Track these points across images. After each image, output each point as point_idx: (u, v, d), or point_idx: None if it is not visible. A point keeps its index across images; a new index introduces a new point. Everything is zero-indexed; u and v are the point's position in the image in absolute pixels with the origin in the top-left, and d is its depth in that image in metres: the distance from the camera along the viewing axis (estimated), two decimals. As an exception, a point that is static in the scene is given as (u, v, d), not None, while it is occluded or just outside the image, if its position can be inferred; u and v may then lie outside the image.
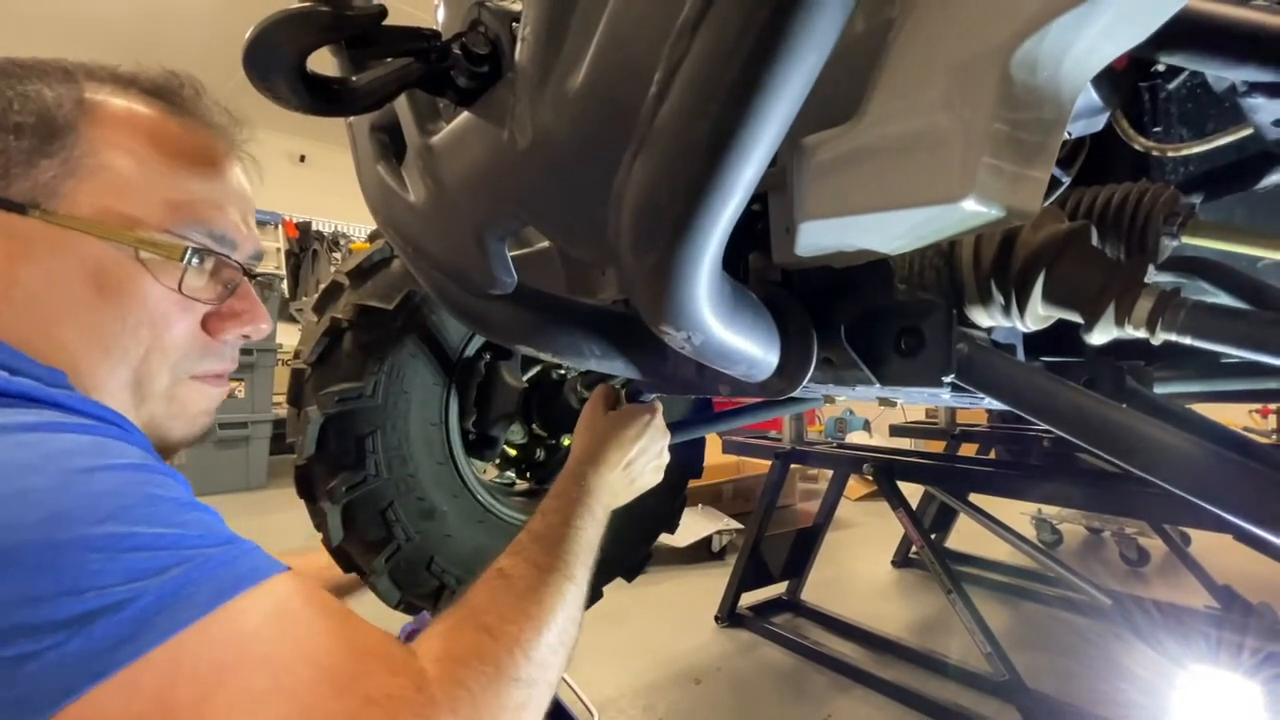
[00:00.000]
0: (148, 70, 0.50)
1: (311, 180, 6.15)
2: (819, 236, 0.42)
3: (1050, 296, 0.59)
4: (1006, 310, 0.62)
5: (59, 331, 0.44)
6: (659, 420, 0.81)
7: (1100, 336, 0.57)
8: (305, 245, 6.09)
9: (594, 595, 1.52)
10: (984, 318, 0.64)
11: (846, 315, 0.55)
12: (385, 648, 0.40)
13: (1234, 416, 3.49)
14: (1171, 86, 0.79)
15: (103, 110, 0.46)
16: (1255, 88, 0.44)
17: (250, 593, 0.36)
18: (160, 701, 0.31)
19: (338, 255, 5.84)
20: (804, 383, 0.56)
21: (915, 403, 0.87)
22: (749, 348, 0.49)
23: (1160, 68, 0.75)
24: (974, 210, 0.35)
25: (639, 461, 0.77)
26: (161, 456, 0.45)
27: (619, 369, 0.71)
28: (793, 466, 2.45)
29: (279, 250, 6.02)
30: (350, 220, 6.15)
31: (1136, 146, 0.73)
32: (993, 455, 2.67)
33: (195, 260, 0.48)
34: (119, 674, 0.30)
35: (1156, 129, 0.80)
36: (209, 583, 0.34)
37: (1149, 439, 0.49)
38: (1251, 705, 1.02)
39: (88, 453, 0.35)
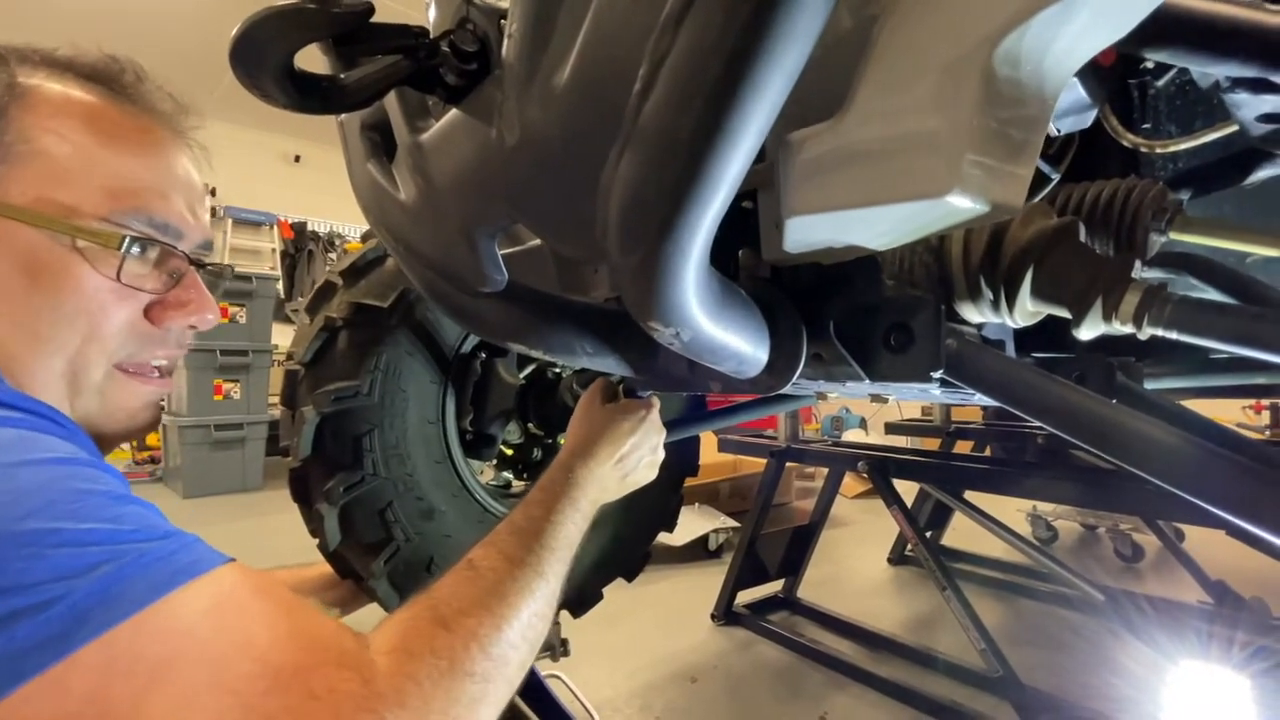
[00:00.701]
0: (85, 54, 0.49)
1: (307, 180, 6.14)
2: (806, 232, 0.43)
3: (1039, 292, 0.59)
4: (996, 306, 0.62)
5: None
6: (655, 416, 0.80)
7: (1088, 332, 0.57)
8: (301, 246, 6.07)
9: (594, 596, 1.52)
10: (974, 314, 0.64)
11: (836, 311, 0.55)
12: (333, 639, 0.39)
13: (1228, 412, 3.51)
14: (1160, 83, 0.79)
15: (36, 95, 0.45)
16: (1238, 83, 0.45)
17: (189, 586, 0.35)
18: (93, 700, 0.30)
19: (333, 256, 5.83)
20: (794, 379, 0.56)
21: (907, 399, 0.87)
22: (738, 344, 0.50)
23: (1149, 65, 0.75)
24: (958, 205, 0.35)
25: (632, 457, 0.75)
26: (101, 450, 0.45)
27: (611, 366, 0.71)
28: (789, 465, 2.46)
29: (274, 251, 6.01)
30: (346, 220, 6.14)
31: (1125, 143, 0.74)
32: (988, 452, 2.68)
33: (135, 249, 0.46)
34: (46, 673, 0.29)
35: (1145, 125, 0.81)
36: (143, 578, 0.33)
37: (1136, 434, 0.49)
38: (1241, 699, 1.03)
39: (11, 447, 0.34)
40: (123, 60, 0.51)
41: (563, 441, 1.49)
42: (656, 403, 0.81)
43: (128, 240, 0.46)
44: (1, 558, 0.30)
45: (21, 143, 0.44)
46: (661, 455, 0.81)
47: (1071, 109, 0.65)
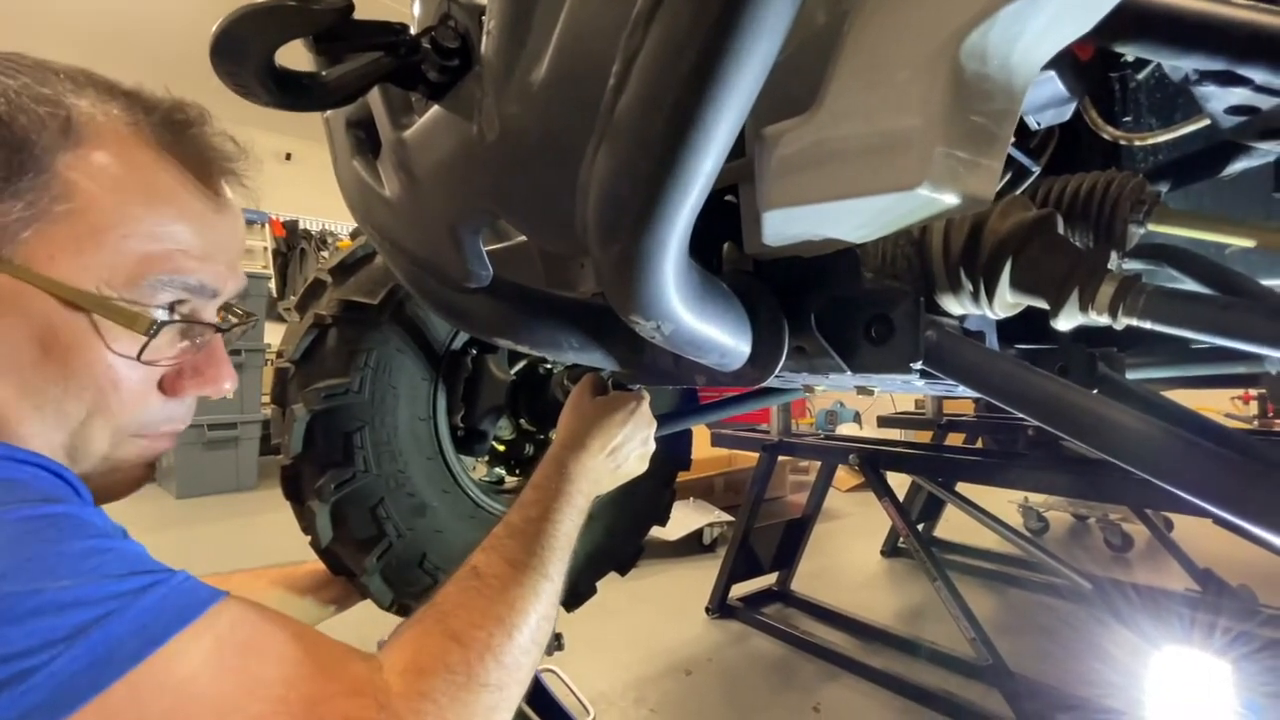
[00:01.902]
0: (150, 93, 0.45)
1: (298, 178, 6.10)
2: (784, 226, 0.43)
3: (1017, 283, 0.60)
4: (976, 297, 0.63)
5: None
6: (645, 407, 0.80)
7: (1066, 322, 0.58)
8: (293, 244, 6.05)
9: (588, 590, 1.53)
10: (954, 305, 0.65)
11: (817, 304, 0.56)
12: (343, 666, 0.39)
13: (1217, 403, 3.54)
14: (1141, 76, 0.80)
15: (87, 142, 0.40)
16: (1206, 76, 0.45)
17: (184, 633, 0.33)
18: None
19: (325, 254, 5.80)
20: (776, 371, 0.57)
21: (891, 391, 0.88)
22: (720, 336, 0.50)
23: (1129, 58, 0.76)
24: (929, 198, 0.36)
25: (624, 449, 0.75)
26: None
27: (597, 360, 0.71)
28: (782, 459, 2.47)
29: (266, 249, 5.98)
30: (338, 219, 6.12)
31: (1105, 136, 0.75)
32: (979, 444, 2.70)
33: (160, 332, 0.43)
34: None
35: (1127, 119, 0.82)
36: (133, 633, 0.31)
37: (1112, 423, 0.50)
38: (1221, 682, 1.05)
39: None
40: (188, 104, 0.47)
41: (553, 436, 1.50)
42: (646, 395, 0.82)
43: (155, 325, 0.42)
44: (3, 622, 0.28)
45: (61, 201, 0.39)
46: (652, 447, 0.81)
47: (1050, 102, 0.65)
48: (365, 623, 1.24)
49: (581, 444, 0.71)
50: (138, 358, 0.42)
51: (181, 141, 0.45)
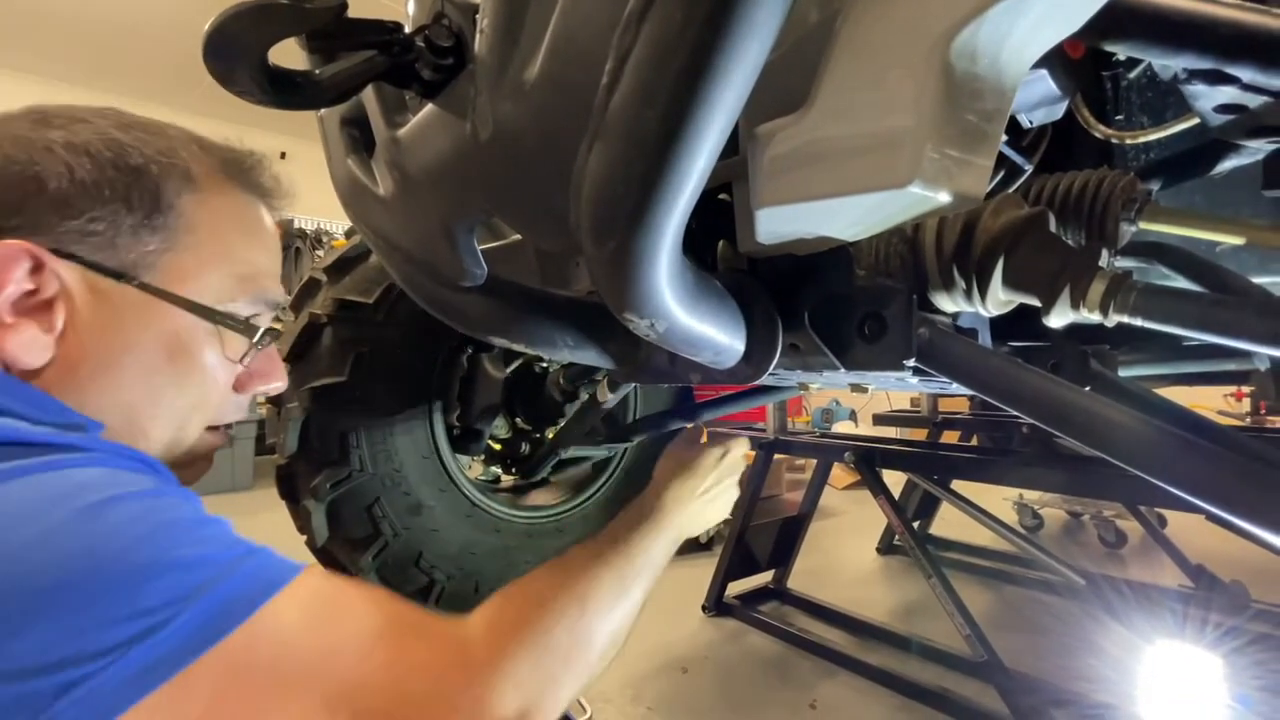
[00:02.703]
0: (228, 146, 0.54)
1: (293, 177, 6.03)
2: (777, 223, 0.43)
3: (1009, 281, 0.60)
4: (968, 295, 0.63)
5: (124, 393, 0.46)
6: (735, 455, 0.83)
7: (1058, 320, 0.59)
8: (288, 243, 6.01)
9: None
10: (947, 303, 0.66)
11: (811, 302, 0.56)
12: (424, 619, 0.44)
13: (1209, 399, 3.56)
14: (1132, 75, 0.81)
15: (199, 188, 0.49)
16: (1195, 75, 0.46)
17: (281, 594, 0.38)
18: (213, 705, 0.33)
19: (320, 253, 5.78)
20: (771, 368, 0.57)
21: (885, 388, 0.89)
22: (714, 334, 0.50)
23: (1120, 57, 0.77)
24: (920, 196, 0.36)
25: (714, 489, 0.79)
26: None
27: (593, 359, 0.72)
28: (778, 457, 2.47)
29: (261, 248, 5.95)
30: (333, 218, 6.09)
31: (1097, 134, 0.75)
32: (974, 441, 2.71)
33: (256, 333, 0.52)
34: (165, 687, 0.32)
35: (1119, 117, 0.82)
36: (242, 591, 0.36)
37: (1105, 420, 0.50)
38: (1213, 676, 1.06)
39: (102, 485, 0.36)
40: (254, 153, 0.56)
41: (550, 435, 1.50)
42: (738, 444, 0.85)
43: (262, 332, 0.52)
44: (110, 588, 0.32)
45: (185, 233, 0.48)
46: (736, 493, 0.85)
47: (1042, 101, 0.66)
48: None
49: (674, 484, 0.75)
50: (240, 361, 0.52)
51: (251, 182, 0.54)
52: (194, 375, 0.49)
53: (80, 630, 0.31)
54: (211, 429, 0.54)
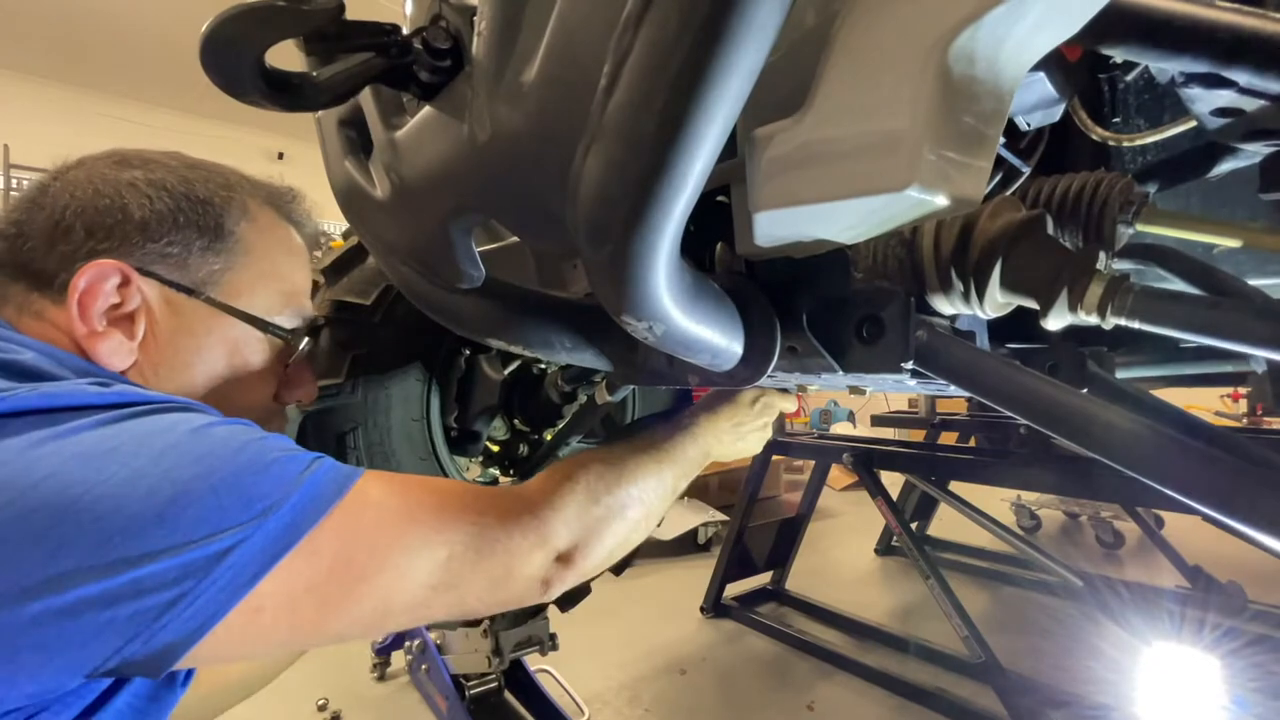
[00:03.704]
0: (271, 182, 0.64)
1: (291, 177, 6.01)
2: (774, 226, 0.43)
3: (1007, 283, 0.60)
4: (966, 297, 0.63)
5: (191, 393, 0.53)
6: (772, 401, 0.89)
7: (1055, 322, 0.59)
8: (286, 244, 6.02)
9: (582, 591, 1.53)
10: (945, 305, 0.66)
11: (809, 304, 0.56)
12: (479, 485, 0.55)
13: (1206, 401, 3.57)
14: (1129, 78, 0.81)
15: (252, 218, 0.58)
16: (1192, 78, 0.46)
17: (361, 480, 0.46)
18: (339, 556, 0.42)
19: (318, 254, 5.77)
20: (769, 371, 0.57)
21: (883, 390, 0.89)
22: (712, 337, 0.50)
23: (1117, 60, 0.77)
24: (918, 199, 0.36)
25: (747, 424, 0.85)
26: None
27: (591, 361, 0.71)
28: (778, 458, 2.48)
29: (259, 249, 5.95)
30: (331, 218, 6.07)
31: (1094, 137, 0.75)
32: (972, 443, 2.71)
33: (305, 344, 0.61)
34: (299, 546, 0.40)
35: (1116, 120, 0.82)
36: (331, 479, 0.44)
37: (1102, 422, 0.50)
38: (1209, 677, 1.06)
39: (203, 418, 0.44)
40: (292, 189, 0.66)
41: (549, 436, 1.50)
42: (784, 399, 0.90)
43: (306, 341, 0.62)
44: (237, 478, 0.40)
45: (242, 255, 0.57)
46: (769, 434, 0.90)
47: (1040, 103, 0.66)
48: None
49: (714, 409, 0.82)
50: (286, 367, 0.61)
51: (290, 213, 0.64)
52: (250, 379, 0.57)
53: (221, 509, 0.38)
54: None
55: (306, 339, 0.62)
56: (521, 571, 0.52)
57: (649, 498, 0.65)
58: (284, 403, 0.63)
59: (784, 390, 0.90)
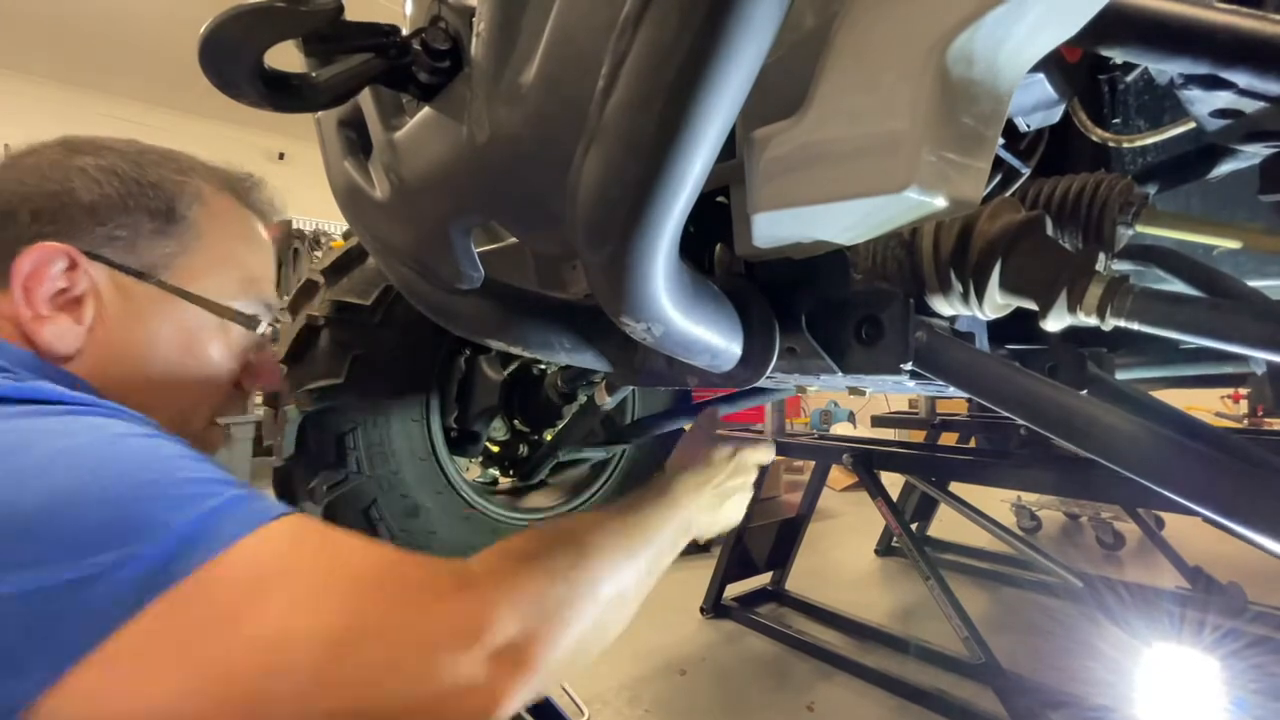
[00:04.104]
0: (229, 168, 0.62)
1: (292, 178, 6.06)
2: (773, 227, 0.43)
3: (1006, 284, 0.60)
4: (966, 299, 0.63)
5: (143, 380, 0.51)
6: (748, 456, 0.81)
7: (1055, 323, 0.59)
8: (286, 244, 6.01)
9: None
10: (945, 306, 0.66)
11: (808, 305, 0.56)
12: (412, 556, 0.44)
13: (1205, 402, 3.57)
14: (1129, 79, 0.81)
15: (205, 202, 0.56)
16: (1191, 80, 0.46)
17: (277, 521, 0.39)
18: (215, 606, 0.34)
19: (318, 254, 5.77)
20: (768, 372, 0.57)
21: (883, 391, 0.89)
22: (711, 338, 0.50)
23: (1117, 61, 0.77)
24: (917, 200, 0.36)
25: (726, 485, 0.77)
26: None
27: (590, 362, 0.72)
28: (778, 458, 2.47)
29: (259, 249, 5.94)
30: (332, 219, 6.09)
31: (1094, 138, 0.75)
32: (973, 444, 2.71)
33: (256, 329, 0.58)
34: (167, 594, 0.33)
35: (1116, 121, 0.82)
36: (241, 512, 0.38)
37: (1102, 424, 0.50)
38: (1211, 679, 1.06)
39: (121, 426, 0.41)
40: (252, 175, 0.63)
41: (548, 437, 1.50)
42: (760, 451, 0.82)
43: (265, 325, 0.59)
44: (130, 498, 0.35)
45: (195, 238, 0.55)
46: (750, 494, 0.82)
47: (1039, 104, 0.66)
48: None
49: (690, 471, 0.74)
50: (235, 351, 0.57)
51: (250, 200, 0.61)
52: (203, 365, 0.55)
53: (100, 529, 0.33)
54: (213, 425, 0.60)
55: (268, 325, 0.60)
56: (449, 674, 0.38)
57: (623, 585, 0.55)
58: (247, 391, 0.62)
59: (758, 437, 0.84)
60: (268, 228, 0.63)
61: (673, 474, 0.73)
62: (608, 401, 1.18)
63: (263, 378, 0.62)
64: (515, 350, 0.67)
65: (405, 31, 0.47)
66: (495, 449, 1.54)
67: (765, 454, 0.83)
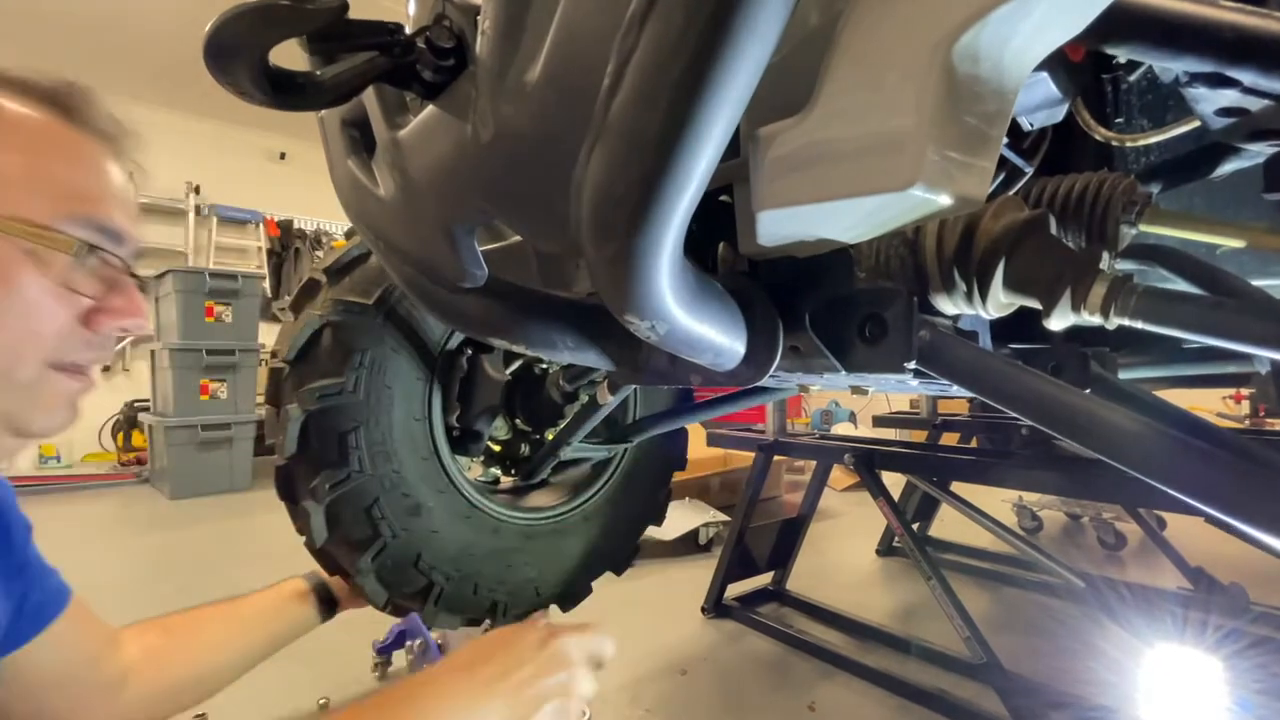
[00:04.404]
0: (41, 76, 0.52)
1: (293, 178, 6.08)
2: (778, 226, 0.43)
3: (1010, 283, 0.60)
4: (969, 297, 0.63)
5: None
6: (561, 644, 0.61)
7: (1058, 322, 0.59)
8: (287, 244, 6.02)
9: (583, 591, 1.53)
10: (948, 305, 0.66)
11: (811, 304, 0.56)
12: None
13: (1208, 402, 3.57)
14: (1132, 78, 0.81)
15: (11, 117, 0.49)
16: (1196, 78, 0.46)
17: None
18: None
19: (320, 254, 5.78)
20: (771, 370, 0.57)
21: (885, 390, 0.89)
22: (715, 336, 0.50)
23: (1120, 60, 0.77)
24: (922, 199, 0.36)
25: (534, 687, 0.57)
26: (20, 443, 0.48)
27: (593, 360, 0.72)
28: (779, 458, 2.47)
29: (260, 249, 5.95)
30: (333, 218, 6.09)
31: (1097, 137, 0.75)
32: (974, 444, 2.71)
33: (84, 254, 0.50)
34: None
35: (1119, 120, 0.82)
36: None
37: (1105, 423, 0.50)
38: (1213, 679, 1.06)
39: None
40: (74, 83, 0.54)
41: (550, 436, 1.50)
42: (586, 641, 0.63)
43: (78, 245, 0.49)
44: None
45: None
46: (581, 693, 0.60)
47: (1043, 103, 0.66)
48: (366, 625, 1.24)
49: (466, 656, 0.59)
50: (62, 283, 0.49)
51: (74, 115, 0.52)
52: (12, 299, 0.47)
53: None
54: (62, 370, 0.51)
55: (100, 251, 0.51)
56: None
57: None
58: (99, 330, 0.53)
59: (584, 624, 0.64)
60: (108, 144, 0.54)
61: (448, 659, 0.59)
62: (610, 401, 1.18)
63: (118, 314, 0.53)
64: (518, 349, 0.67)
65: (409, 30, 0.48)
66: (497, 448, 1.54)
67: (597, 644, 0.63)
